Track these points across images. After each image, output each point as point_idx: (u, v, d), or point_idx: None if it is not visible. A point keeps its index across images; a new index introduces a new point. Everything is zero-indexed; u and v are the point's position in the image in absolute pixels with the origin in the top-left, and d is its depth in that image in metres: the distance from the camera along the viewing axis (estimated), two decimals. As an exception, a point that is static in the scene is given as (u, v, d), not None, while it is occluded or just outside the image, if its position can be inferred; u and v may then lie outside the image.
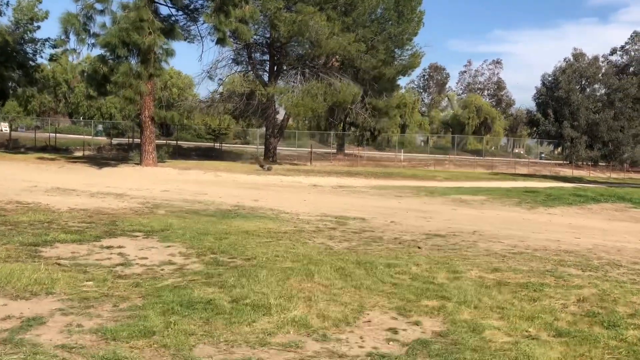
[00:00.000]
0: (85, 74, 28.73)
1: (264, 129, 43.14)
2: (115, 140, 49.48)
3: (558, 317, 5.40)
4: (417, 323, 5.14)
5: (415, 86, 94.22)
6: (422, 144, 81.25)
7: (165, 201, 14.20)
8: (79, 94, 68.65)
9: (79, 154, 40.23)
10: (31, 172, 22.44)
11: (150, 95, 27.45)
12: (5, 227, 9.13)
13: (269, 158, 38.62)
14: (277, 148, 41.22)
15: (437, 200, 18.25)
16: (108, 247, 7.91)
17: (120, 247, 7.98)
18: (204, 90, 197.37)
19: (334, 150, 55.31)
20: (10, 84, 39.38)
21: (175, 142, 46.95)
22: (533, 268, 7.64)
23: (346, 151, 55.25)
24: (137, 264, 7.01)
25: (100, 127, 64.89)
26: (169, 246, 8.16)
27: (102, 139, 50.78)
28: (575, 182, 34.17)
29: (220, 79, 38.20)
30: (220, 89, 40.62)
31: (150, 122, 27.72)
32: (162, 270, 6.72)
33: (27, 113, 72.98)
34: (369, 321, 5.16)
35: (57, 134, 51.54)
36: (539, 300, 5.96)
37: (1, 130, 54.25)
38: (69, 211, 11.31)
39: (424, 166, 44.70)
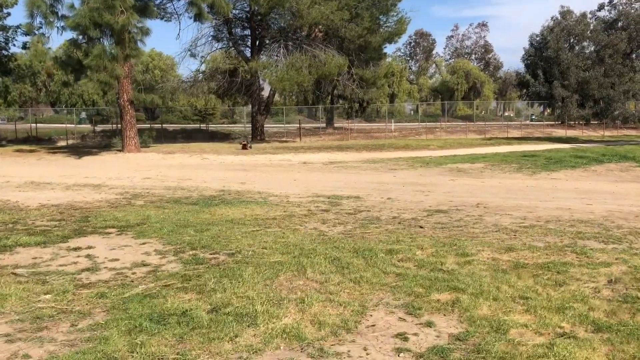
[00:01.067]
0: (59, 60, 27.45)
1: (250, 107, 42.05)
2: (99, 127, 48.21)
3: (592, 306, 4.63)
4: (429, 324, 4.36)
5: (401, 54, 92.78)
6: (412, 112, 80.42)
7: (146, 190, 13.31)
8: (59, 82, 66.94)
9: (62, 143, 39.12)
10: (6, 166, 21.41)
11: (128, 77, 26.32)
12: (-37, 231, 8.25)
13: (257, 136, 37.62)
14: (265, 126, 40.17)
15: (434, 171, 17.44)
16: (75, 249, 7.06)
17: (89, 247, 7.14)
18: (186, 70, 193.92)
19: (323, 125, 54.34)
20: (-17, 75, 37.95)
21: (160, 125, 45.76)
22: (550, 244, 6.88)
23: (335, 125, 54.26)
24: (105, 267, 6.17)
25: (83, 114, 63.41)
26: (144, 243, 7.32)
27: (86, 127, 49.55)
28: (571, 143, 33.50)
29: (201, 56, 36.94)
30: (203, 68, 39.38)
31: (129, 107, 26.62)
32: (133, 274, 5.89)
33: (8, 104, 71.22)
34: (373, 325, 4.38)
35: (40, 124, 50.18)
36: (565, 285, 5.19)
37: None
38: (39, 208, 10.42)
39: (415, 135, 43.89)
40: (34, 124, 46.39)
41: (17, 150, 29.19)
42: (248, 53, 36.73)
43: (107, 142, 37.49)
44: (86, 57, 24.92)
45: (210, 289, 5.21)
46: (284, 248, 6.78)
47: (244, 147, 29.53)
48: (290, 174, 17.66)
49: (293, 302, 4.81)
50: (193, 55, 35.40)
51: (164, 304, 4.80)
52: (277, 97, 54.39)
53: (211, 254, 6.64)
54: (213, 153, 26.43)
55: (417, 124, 56.79)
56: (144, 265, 6.24)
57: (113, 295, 5.11)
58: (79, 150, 29.58)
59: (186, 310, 4.62)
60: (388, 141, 34.44)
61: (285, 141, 37.55)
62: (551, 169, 16.31)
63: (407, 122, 62.83)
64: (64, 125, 47.58)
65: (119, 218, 9.12)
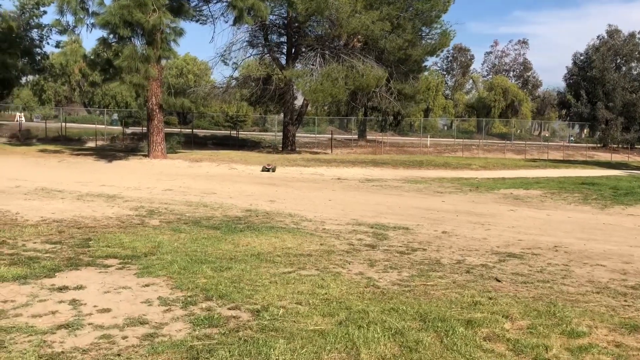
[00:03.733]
0: (88, 59, 26.50)
1: (282, 115, 40.70)
2: (130, 130, 47.39)
3: None
4: None
5: (438, 68, 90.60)
6: (445, 128, 78.45)
7: (164, 205, 11.86)
8: (97, 83, 66.61)
9: (91, 144, 38.46)
10: (25, 168, 20.32)
11: (158, 80, 25.13)
12: (-62, 253, 6.87)
13: (288, 147, 36.21)
14: (296, 135, 38.72)
15: (487, 197, 15.62)
16: (61, 289, 5.57)
17: (78, 288, 5.64)
18: (219, 75, 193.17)
19: (355, 137, 52.72)
20: (15, 72, 37.41)
21: (190, 130, 44.72)
22: (683, 320, 5.11)
23: (368, 137, 52.60)
24: (89, 324, 4.64)
25: (115, 116, 63.11)
26: (147, 285, 5.79)
27: (117, 129, 48.80)
28: (621, 169, 31.23)
29: (234, 62, 35.67)
30: (236, 74, 38.15)
31: (158, 110, 25.43)
32: (123, 339, 4.34)
33: (42, 103, 71.47)
34: None
35: (72, 124, 49.72)
36: None
37: (17, 121, 52.57)
38: (37, 224, 9.02)
39: (451, 152, 41.97)
40: (65, 124, 45.89)
41: (42, 150, 28.28)
42: (283, 60, 35.42)
43: (134, 146, 36.57)
44: (116, 57, 23.87)
45: (224, 380, 3.63)
46: (324, 306, 5.17)
47: (267, 170, 22.97)
48: (324, 192, 16.06)
49: (345, 416, 3.19)
50: (225, 62, 34.14)
51: (154, 408, 3.23)
52: (308, 107, 53.01)
53: (230, 309, 5.07)
54: (242, 163, 25.03)
55: (452, 140, 54.75)
56: (141, 323, 4.70)
57: (85, 383, 3.57)
58: (104, 153, 28.54)
59: None
60: (425, 157, 32.60)
61: (317, 152, 36.04)
62: (624, 202, 14.29)
63: (441, 138, 60.81)
64: (95, 125, 46.92)
65: (124, 244, 7.63)
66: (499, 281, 6.27)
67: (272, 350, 4.07)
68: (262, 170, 22.60)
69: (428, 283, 6.13)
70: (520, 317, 5.00)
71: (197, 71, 75.40)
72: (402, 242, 8.51)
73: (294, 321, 4.75)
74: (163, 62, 25.96)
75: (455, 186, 18.26)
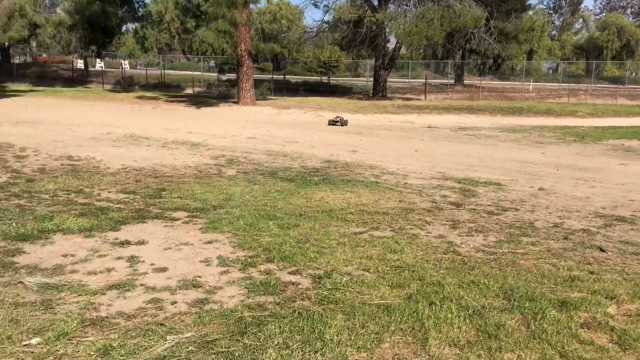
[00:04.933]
0: (180, 5, 26.63)
1: (374, 60, 39.43)
2: (226, 76, 48.12)
3: None
4: None
5: (544, 7, 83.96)
6: (550, 71, 73.19)
7: (244, 154, 11.64)
8: (191, 30, 67.92)
9: (189, 91, 39.50)
10: (120, 114, 20.98)
11: (246, 26, 24.83)
12: (18, 200, 6.98)
13: (379, 92, 35.14)
14: (388, 80, 37.45)
15: (593, 148, 14.13)
16: (122, 244, 5.40)
17: (140, 242, 5.45)
18: (309, 19, 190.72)
19: (452, 81, 50.40)
20: (115, 20, 38.63)
21: (282, 77, 44.65)
22: None
23: (465, 82, 50.09)
24: (142, 285, 4.39)
25: (212, 62, 64.40)
26: (210, 242, 5.50)
27: (213, 75, 49.77)
28: None
29: (326, 5, 34.66)
30: (327, 17, 37.16)
31: (247, 57, 25.27)
32: (172, 304, 4.04)
33: (145, 51, 74.01)
34: None
35: (172, 71, 51.27)
36: None
37: (122, 68, 54.92)
38: (117, 172, 9.05)
39: (555, 98, 39.04)
40: (166, 71, 47.34)
41: (139, 97, 29.23)
42: (375, 2, 33.94)
43: (228, 92, 37.08)
44: (205, 2, 23.77)
45: (268, 363, 3.21)
46: (394, 274, 4.62)
47: (334, 123, 19.33)
48: (412, 141, 15.23)
49: (401, 421, 2.68)
50: (316, 5, 33.23)
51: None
52: (402, 50, 50.94)
53: (290, 274, 4.65)
54: (329, 110, 24.49)
55: (558, 84, 50.84)
56: (195, 286, 4.39)
57: (121, 356, 3.28)
58: (196, 100, 29.03)
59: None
60: (526, 104, 30.45)
61: (409, 99, 34.72)
62: None
63: (545, 82, 56.75)
64: (192, 73, 48.05)
65: (196, 195, 7.43)
66: (603, 251, 5.40)
67: (327, 328, 3.60)
68: (329, 124, 19.32)
69: (517, 251, 5.38)
70: (628, 300, 4.20)
71: (290, 16, 74.82)
72: (492, 200, 7.70)
73: (358, 292, 4.25)
74: (252, 7, 25.53)
75: (557, 136, 16.74)
